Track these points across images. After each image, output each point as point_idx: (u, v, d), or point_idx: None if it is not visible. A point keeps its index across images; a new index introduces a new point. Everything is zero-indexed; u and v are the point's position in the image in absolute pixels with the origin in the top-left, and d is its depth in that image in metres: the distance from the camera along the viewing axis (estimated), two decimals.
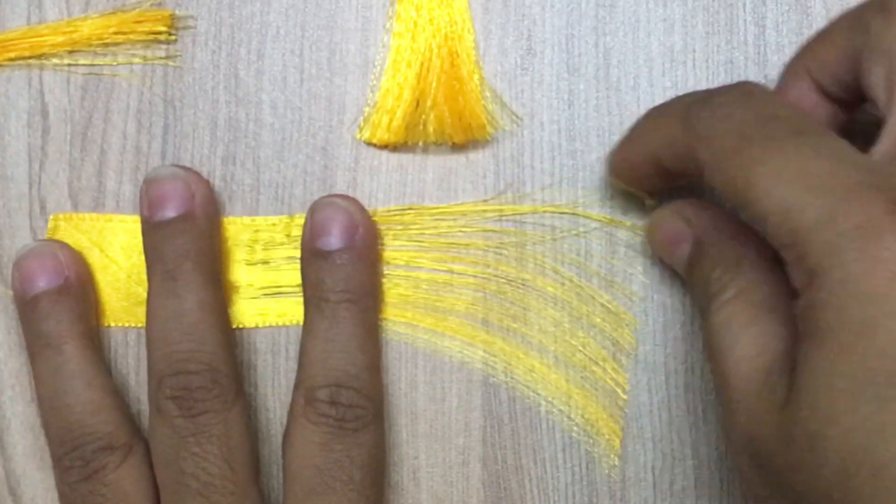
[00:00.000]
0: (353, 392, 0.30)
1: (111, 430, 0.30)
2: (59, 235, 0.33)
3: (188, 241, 0.31)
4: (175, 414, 0.30)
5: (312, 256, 0.31)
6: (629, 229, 0.33)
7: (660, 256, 0.32)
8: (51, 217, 0.33)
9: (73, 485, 0.30)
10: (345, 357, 0.30)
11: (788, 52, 0.33)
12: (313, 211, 0.32)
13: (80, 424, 0.30)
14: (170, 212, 0.31)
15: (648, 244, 0.32)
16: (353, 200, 0.32)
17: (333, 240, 0.31)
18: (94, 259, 0.33)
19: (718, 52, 0.33)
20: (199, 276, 0.30)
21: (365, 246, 0.32)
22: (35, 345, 0.31)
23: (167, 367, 0.30)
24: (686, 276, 0.30)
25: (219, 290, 0.31)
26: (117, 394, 0.31)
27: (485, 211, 0.33)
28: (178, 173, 0.32)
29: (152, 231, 0.31)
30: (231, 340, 0.32)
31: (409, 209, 0.33)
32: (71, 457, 0.30)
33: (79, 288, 0.32)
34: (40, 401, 0.31)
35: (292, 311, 0.33)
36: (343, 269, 0.31)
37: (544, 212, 0.33)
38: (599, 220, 0.33)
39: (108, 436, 0.30)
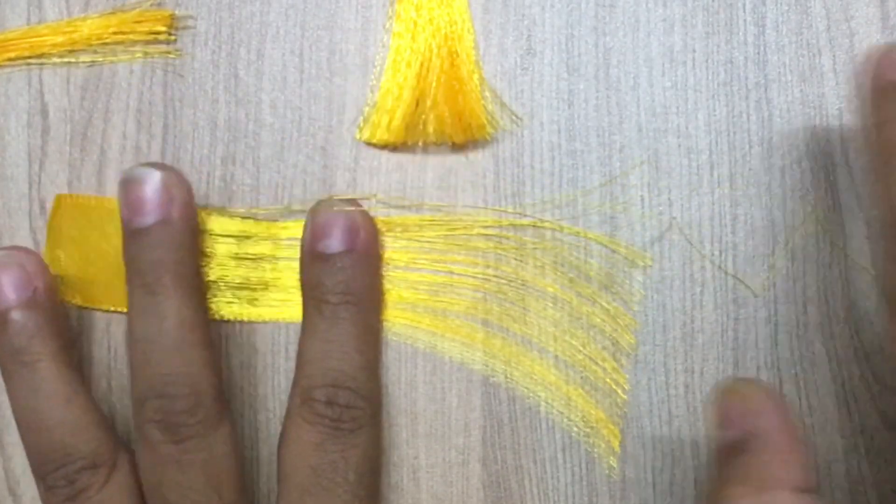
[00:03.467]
0: (350, 392, 0.30)
1: (94, 449, 0.30)
2: (61, 215, 0.33)
3: (166, 252, 0.30)
4: (158, 439, 0.29)
5: (313, 259, 0.31)
6: (629, 231, 0.33)
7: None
8: (55, 196, 0.33)
9: None
10: (343, 357, 0.30)
11: (788, 52, 0.33)
12: (314, 213, 0.32)
13: (61, 445, 0.29)
14: (148, 218, 0.30)
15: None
16: (355, 202, 0.32)
17: (335, 243, 0.31)
18: (94, 241, 0.33)
19: (718, 52, 0.33)
20: (179, 290, 0.29)
21: (366, 249, 0.31)
22: (9, 361, 0.30)
23: (149, 390, 0.29)
24: None
25: (200, 303, 0.31)
26: (97, 409, 0.31)
27: (485, 222, 0.33)
28: (155, 174, 0.30)
29: (131, 238, 0.30)
30: (213, 355, 0.30)
31: (408, 219, 0.33)
32: (54, 477, 0.29)
33: (48, 300, 0.31)
34: (18, 420, 0.30)
35: (280, 308, 0.33)
36: (344, 272, 0.31)
37: (543, 227, 0.33)
38: (598, 241, 0.33)
39: (91, 454, 0.30)
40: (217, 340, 0.33)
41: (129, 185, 0.30)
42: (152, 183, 0.30)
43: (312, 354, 0.31)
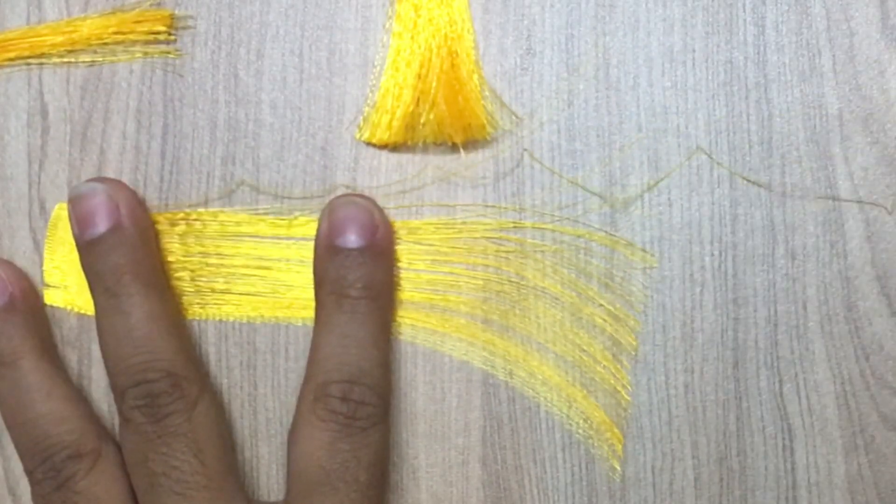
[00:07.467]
0: (366, 388, 0.30)
1: (77, 439, 0.31)
2: (62, 226, 0.33)
3: (122, 255, 0.31)
4: (141, 421, 0.30)
5: (332, 253, 0.31)
6: (629, 231, 0.33)
7: None
8: (57, 205, 0.33)
9: (47, 496, 0.30)
10: (360, 352, 0.31)
11: (788, 52, 0.33)
12: (332, 209, 0.32)
13: (45, 436, 0.31)
14: (98, 228, 0.31)
15: None
16: (371, 200, 0.32)
17: (355, 238, 0.31)
18: None
19: (718, 52, 0.33)
20: (139, 287, 0.31)
21: (384, 245, 0.32)
22: None
23: (127, 380, 0.30)
24: None
25: (163, 295, 0.31)
26: (80, 401, 0.32)
27: (488, 225, 0.33)
28: (98, 187, 0.32)
29: (86, 250, 0.31)
30: (185, 340, 0.32)
31: (412, 223, 0.33)
32: (42, 469, 0.30)
33: (25, 303, 0.32)
34: (5, 419, 0.31)
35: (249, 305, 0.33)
36: (364, 266, 0.31)
37: (544, 228, 0.33)
38: (601, 242, 0.33)
39: (75, 444, 0.31)
40: (217, 340, 0.33)
41: (75, 202, 0.32)
42: (97, 195, 0.31)
43: (329, 349, 0.31)
